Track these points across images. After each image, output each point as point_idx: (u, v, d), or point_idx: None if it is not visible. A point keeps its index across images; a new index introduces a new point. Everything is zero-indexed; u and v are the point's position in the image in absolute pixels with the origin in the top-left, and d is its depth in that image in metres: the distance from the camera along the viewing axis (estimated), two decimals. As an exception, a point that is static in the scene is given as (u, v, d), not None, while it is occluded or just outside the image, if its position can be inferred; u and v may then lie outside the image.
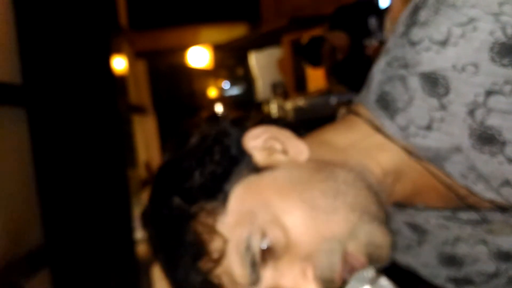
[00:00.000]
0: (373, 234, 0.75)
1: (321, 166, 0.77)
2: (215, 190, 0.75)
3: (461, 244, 0.86)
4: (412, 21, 0.73)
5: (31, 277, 1.93)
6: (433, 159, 0.76)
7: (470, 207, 0.80)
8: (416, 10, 0.74)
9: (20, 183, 2.05)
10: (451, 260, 0.88)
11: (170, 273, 0.78)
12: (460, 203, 0.80)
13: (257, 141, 0.78)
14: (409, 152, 0.77)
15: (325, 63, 3.04)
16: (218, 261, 0.74)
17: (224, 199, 0.75)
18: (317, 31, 3.31)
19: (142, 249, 2.62)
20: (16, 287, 1.73)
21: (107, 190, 2.30)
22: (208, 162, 0.76)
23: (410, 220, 0.87)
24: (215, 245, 0.74)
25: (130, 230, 2.39)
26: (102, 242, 2.25)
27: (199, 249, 0.74)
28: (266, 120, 0.82)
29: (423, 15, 0.72)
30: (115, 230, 2.32)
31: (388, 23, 2.28)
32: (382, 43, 2.42)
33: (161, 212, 0.78)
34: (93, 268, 2.23)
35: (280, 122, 0.82)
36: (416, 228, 0.87)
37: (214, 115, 0.84)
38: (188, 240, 0.74)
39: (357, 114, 0.81)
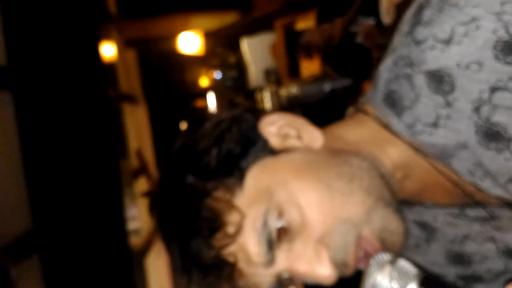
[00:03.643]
0: (388, 220, 0.75)
1: (335, 153, 0.78)
2: (232, 167, 0.75)
3: (469, 242, 0.86)
4: (417, 20, 0.74)
5: (19, 263, 1.88)
6: (440, 156, 0.76)
7: (478, 203, 0.80)
8: (420, 9, 0.74)
9: (7, 167, 2.00)
10: (459, 259, 0.88)
11: (181, 249, 0.75)
12: (468, 199, 0.80)
13: (272, 127, 0.79)
14: (416, 149, 0.77)
15: (299, 55, 3.11)
16: (234, 236, 0.72)
17: (241, 177, 0.75)
18: (310, 16, 3.28)
19: (135, 240, 2.58)
20: (5, 273, 1.67)
21: (98, 179, 2.28)
22: (225, 140, 0.76)
23: (418, 218, 0.87)
24: (231, 219, 0.72)
25: (122, 220, 2.36)
26: (94, 232, 2.22)
27: (215, 223, 0.73)
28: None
29: (427, 14, 0.73)
30: (107, 220, 2.29)
31: (384, 2, 2.23)
32: (377, 24, 2.39)
33: (173, 191, 0.76)
34: (85, 259, 2.20)
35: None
36: (424, 226, 0.88)
37: (231, 103, 0.85)
38: (204, 214, 0.73)
39: (365, 112, 0.82)
